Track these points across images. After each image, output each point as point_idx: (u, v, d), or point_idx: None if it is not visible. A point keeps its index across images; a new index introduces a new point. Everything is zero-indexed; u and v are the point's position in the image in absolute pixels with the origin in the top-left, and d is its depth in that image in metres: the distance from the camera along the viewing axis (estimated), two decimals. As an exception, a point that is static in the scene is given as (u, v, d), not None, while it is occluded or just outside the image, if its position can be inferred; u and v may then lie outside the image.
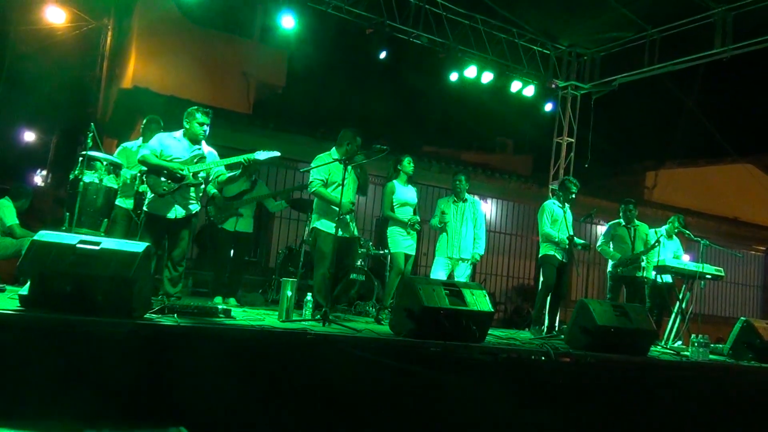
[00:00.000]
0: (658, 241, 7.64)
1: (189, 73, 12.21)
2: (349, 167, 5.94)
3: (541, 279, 7.44)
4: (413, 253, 6.80)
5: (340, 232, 5.72)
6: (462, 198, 7.13)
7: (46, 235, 3.85)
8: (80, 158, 5.24)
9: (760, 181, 16.22)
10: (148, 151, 5.23)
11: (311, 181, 5.94)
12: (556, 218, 7.26)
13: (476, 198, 7.36)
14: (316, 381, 4.04)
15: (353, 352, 4.22)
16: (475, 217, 7.12)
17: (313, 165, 5.99)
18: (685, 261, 8.18)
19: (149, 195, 5.28)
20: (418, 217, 6.75)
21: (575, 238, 7.16)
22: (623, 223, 7.88)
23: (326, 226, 5.84)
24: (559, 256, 7.20)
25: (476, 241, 7.09)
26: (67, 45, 15.21)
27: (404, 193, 6.76)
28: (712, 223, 14.62)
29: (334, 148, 6.11)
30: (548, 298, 7.42)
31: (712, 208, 15.07)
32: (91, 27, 14.72)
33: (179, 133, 5.42)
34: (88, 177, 5.23)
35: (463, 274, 6.99)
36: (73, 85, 16.30)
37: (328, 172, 5.88)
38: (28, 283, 3.73)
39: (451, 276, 7.00)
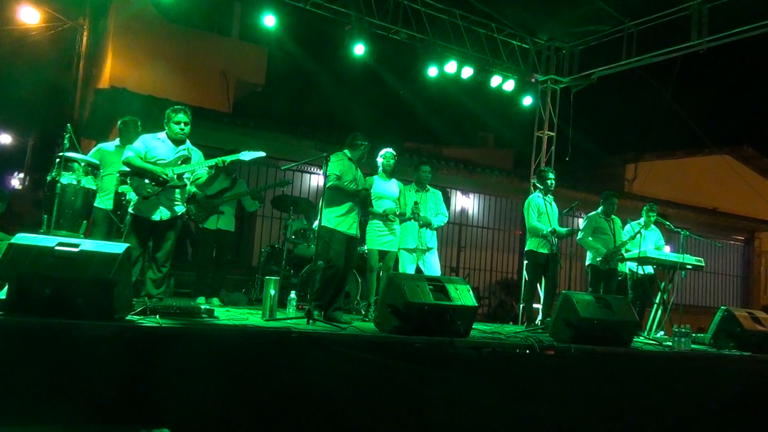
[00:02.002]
0: (639, 232, 7.70)
1: (167, 72, 12.09)
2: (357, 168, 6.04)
3: (525, 276, 7.46)
4: (394, 249, 6.73)
5: (351, 231, 5.79)
6: (425, 188, 7.12)
7: (23, 238, 3.79)
8: (57, 160, 5.17)
9: (738, 171, 16.40)
10: (133, 152, 5.17)
11: (328, 175, 5.86)
12: (541, 211, 7.28)
13: (437, 190, 7.32)
14: (301, 379, 4.03)
15: (338, 350, 4.21)
16: (437, 207, 7.11)
17: (332, 162, 5.88)
18: (666, 252, 8.25)
19: (133, 197, 5.21)
20: (393, 207, 6.64)
21: (558, 227, 7.20)
22: (603, 216, 7.92)
23: (334, 223, 5.80)
24: (545, 250, 7.21)
25: (437, 216, 7.08)
26: (42, 45, 14.99)
27: (382, 187, 6.71)
28: (691, 214, 14.76)
29: (346, 149, 6.06)
30: (535, 293, 7.45)
31: (691, 199, 15.23)
32: (66, 27, 14.52)
33: (163, 135, 5.36)
34: (66, 178, 5.16)
35: (430, 263, 6.95)
36: (49, 86, 16.08)
37: (341, 170, 5.85)
38: (6, 287, 3.68)
39: (418, 268, 6.97)
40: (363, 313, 6.76)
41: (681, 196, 15.00)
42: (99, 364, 3.47)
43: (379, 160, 6.79)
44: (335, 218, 5.78)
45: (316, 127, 11.04)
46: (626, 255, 7.77)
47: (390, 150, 6.82)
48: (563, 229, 7.34)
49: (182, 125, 5.29)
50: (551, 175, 7.43)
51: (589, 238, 7.88)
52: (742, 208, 16.15)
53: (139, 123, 6.43)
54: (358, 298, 7.73)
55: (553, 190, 7.46)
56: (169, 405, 3.58)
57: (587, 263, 8.02)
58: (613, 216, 7.96)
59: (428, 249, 6.92)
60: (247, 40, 13.74)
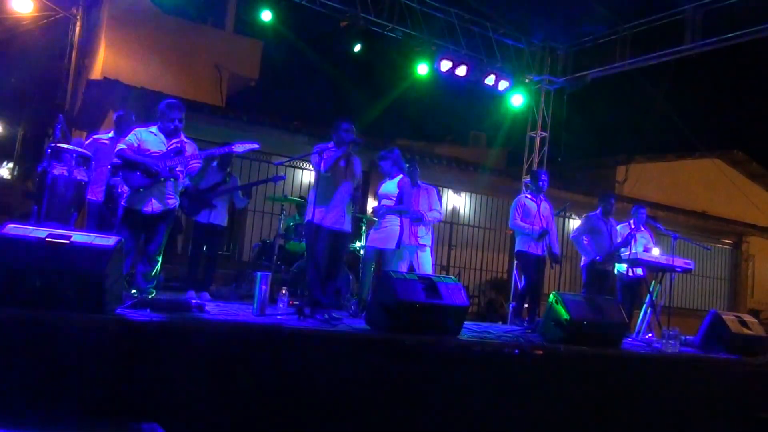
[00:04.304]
0: (630, 234, 7.72)
1: (160, 64, 12.04)
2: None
3: (523, 278, 7.45)
4: (383, 246, 6.52)
5: (337, 226, 5.69)
6: (414, 184, 7.06)
7: (13, 229, 3.76)
8: (48, 150, 5.14)
9: (727, 175, 16.49)
10: (125, 145, 5.15)
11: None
12: (529, 211, 7.27)
13: (432, 187, 7.26)
14: (291, 375, 4.03)
15: (328, 347, 4.21)
16: (429, 203, 7.04)
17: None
18: (656, 254, 8.27)
19: (126, 189, 5.18)
20: (380, 207, 6.55)
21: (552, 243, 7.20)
22: (601, 217, 7.95)
23: (318, 218, 5.74)
24: (534, 251, 7.22)
25: (431, 212, 7.00)
26: (34, 35, 14.87)
27: (383, 187, 6.69)
28: (681, 217, 14.83)
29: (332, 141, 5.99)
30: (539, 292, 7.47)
31: (681, 202, 15.30)
32: (59, 17, 14.41)
33: (156, 128, 5.33)
34: (58, 170, 5.13)
35: (423, 261, 6.92)
36: (40, 76, 15.97)
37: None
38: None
39: (412, 266, 6.94)
40: (352, 309, 6.74)
41: (671, 198, 15.07)
42: (88, 358, 3.45)
43: None
44: (319, 213, 5.73)
45: (310, 123, 11.01)
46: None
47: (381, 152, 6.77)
48: (554, 245, 7.33)
49: (176, 122, 5.27)
50: (544, 177, 7.45)
51: (583, 238, 7.89)
52: (730, 211, 16.25)
53: (134, 116, 6.40)
54: (349, 295, 7.71)
55: (545, 191, 7.48)
56: (158, 399, 3.57)
57: (582, 264, 8.04)
58: (610, 218, 7.99)
59: (421, 246, 6.89)
60: (242, 33, 13.69)
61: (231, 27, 13.96)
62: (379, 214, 6.54)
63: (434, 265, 7.32)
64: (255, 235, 10.33)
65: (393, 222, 6.49)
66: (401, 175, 6.57)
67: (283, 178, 7.94)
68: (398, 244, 6.49)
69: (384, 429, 4.25)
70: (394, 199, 6.51)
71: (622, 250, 7.76)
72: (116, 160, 5.21)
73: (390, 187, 6.58)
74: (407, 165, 6.98)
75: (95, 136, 6.43)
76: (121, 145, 5.16)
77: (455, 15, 9.40)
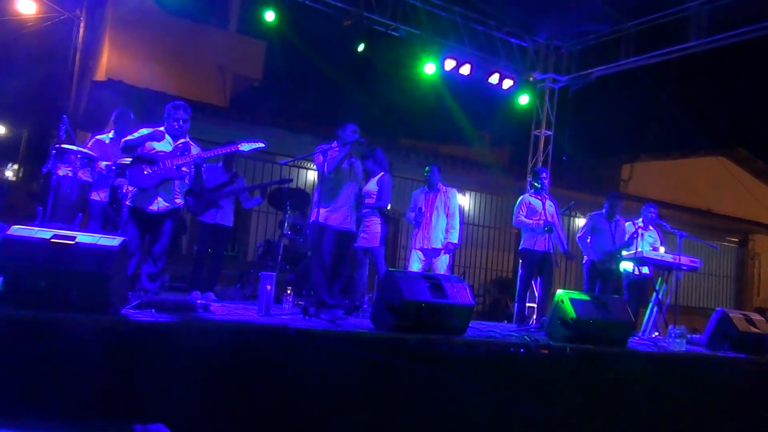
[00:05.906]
0: (636, 233, 7.68)
1: (164, 65, 12.03)
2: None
3: (520, 274, 7.43)
4: (367, 245, 6.62)
5: (344, 226, 5.72)
6: (433, 188, 7.10)
7: (18, 230, 3.76)
8: (53, 151, 5.14)
9: (733, 173, 16.43)
10: (129, 137, 5.16)
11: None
12: (534, 209, 7.23)
13: (452, 189, 7.27)
14: (297, 375, 4.02)
15: (334, 346, 4.20)
16: (446, 206, 7.07)
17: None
18: (662, 253, 8.24)
19: (131, 189, 5.18)
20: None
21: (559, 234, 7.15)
22: (605, 216, 7.90)
23: (324, 217, 5.74)
24: (538, 249, 7.18)
25: (449, 230, 7.00)
26: (38, 37, 14.90)
27: (368, 185, 6.73)
28: (686, 215, 14.77)
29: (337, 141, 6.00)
30: (527, 294, 7.43)
31: (686, 200, 15.23)
32: (63, 18, 14.43)
33: (162, 129, 5.34)
34: (62, 170, 5.13)
35: (439, 264, 6.94)
36: (45, 77, 15.99)
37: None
38: (0, 279, 3.65)
39: (429, 267, 6.96)
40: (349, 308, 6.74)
41: (676, 197, 15.00)
42: (93, 358, 3.44)
43: None
44: (324, 213, 5.73)
45: (314, 123, 11.00)
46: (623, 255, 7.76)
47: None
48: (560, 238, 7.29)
49: (181, 122, 5.28)
50: (544, 175, 7.41)
51: (587, 238, 7.86)
52: (736, 209, 16.18)
53: (132, 114, 6.40)
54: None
55: (548, 188, 7.43)
56: (163, 400, 3.56)
57: (583, 261, 8.01)
58: (616, 217, 7.92)
59: (435, 249, 6.92)
60: (245, 34, 13.68)
61: (234, 28, 13.95)
62: (361, 213, 6.60)
63: (450, 266, 7.30)
64: (260, 235, 10.32)
65: (375, 221, 6.61)
66: (382, 173, 6.68)
67: (289, 180, 7.97)
68: (382, 242, 6.55)
69: (389, 428, 4.24)
70: (375, 197, 6.63)
71: (625, 249, 7.72)
72: (121, 161, 5.21)
73: (371, 185, 6.67)
74: (428, 170, 7.18)
75: (97, 137, 6.43)
76: (124, 139, 5.17)
77: (459, 14, 9.40)
